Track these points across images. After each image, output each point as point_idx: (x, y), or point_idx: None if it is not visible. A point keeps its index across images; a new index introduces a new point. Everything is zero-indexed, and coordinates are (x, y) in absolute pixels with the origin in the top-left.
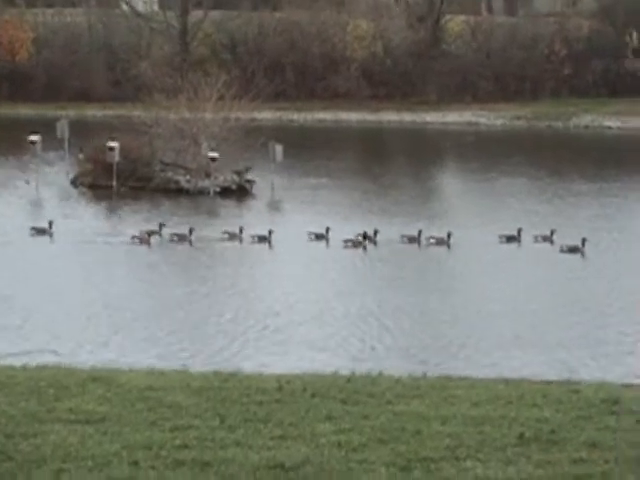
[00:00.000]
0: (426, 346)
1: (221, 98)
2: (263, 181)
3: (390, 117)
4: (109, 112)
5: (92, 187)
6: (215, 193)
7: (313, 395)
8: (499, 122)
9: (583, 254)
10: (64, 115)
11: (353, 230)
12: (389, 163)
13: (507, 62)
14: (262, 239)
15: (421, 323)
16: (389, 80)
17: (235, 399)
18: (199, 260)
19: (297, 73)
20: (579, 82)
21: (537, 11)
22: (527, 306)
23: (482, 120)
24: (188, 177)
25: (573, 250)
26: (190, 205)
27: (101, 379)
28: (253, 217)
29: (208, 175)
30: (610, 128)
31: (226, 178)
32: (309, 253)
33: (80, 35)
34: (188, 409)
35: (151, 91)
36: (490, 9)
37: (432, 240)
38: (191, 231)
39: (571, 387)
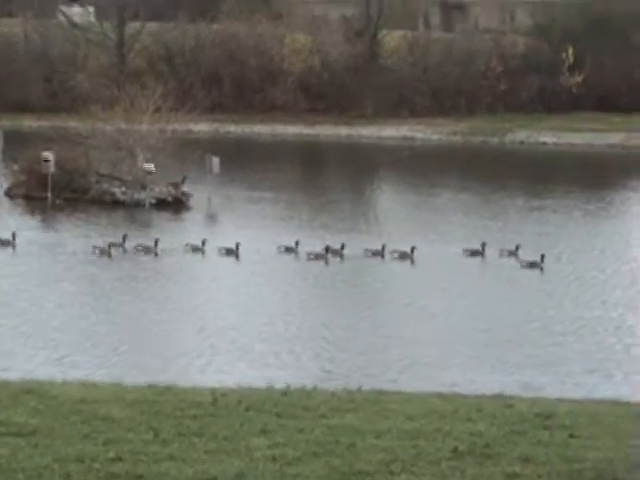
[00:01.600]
0: (378, 363)
1: (158, 110)
2: (199, 193)
3: (327, 131)
4: (45, 123)
5: (26, 198)
6: (151, 205)
7: (248, 409)
8: (435, 137)
9: (542, 269)
10: None
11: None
12: (327, 177)
13: (444, 77)
14: (229, 252)
15: (375, 339)
16: (326, 94)
17: (169, 412)
18: (159, 273)
19: (234, 85)
20: (515, 98)
21: (473, 27)
22: (485, 323)
23: (418, 135)
24: (124, 189)
25: (532, 265)
26: (127, 217)
27: (34, 391)
28: (191, 229)
29: (144, 187)
30: (545, 144)
31: (162, 190)
32: (274, 266)
33: (16, 45)
34: (121, 422)
35: (87, 102)
36: (427, 25)
37: (395, 254)
38: (156, 242)
39: (505, 402)
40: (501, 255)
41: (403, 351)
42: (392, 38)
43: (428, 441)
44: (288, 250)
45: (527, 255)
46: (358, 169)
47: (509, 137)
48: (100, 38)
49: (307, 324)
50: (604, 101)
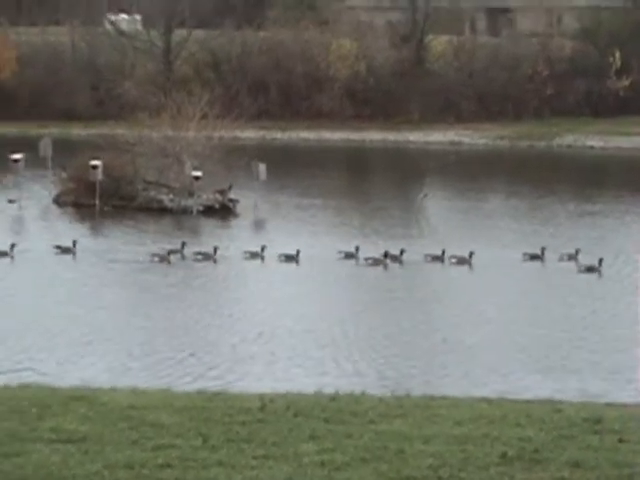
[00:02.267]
0: (435, 369)
1: (204, 117)
2: (246, 200)
3: (373, 136)
4: (92, 131)
5: (75, 206)
6: (198, 212)
7: (296, 414)
8: (482, 142)
9: (600, 274)
10: (47, 134)
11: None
12: (375, 183)
13: (490, 82)
14: (289, 258)
15: (433, 344)
16: (372, 99)
17: (218, 419)
18: (219, 279)
19: (281, 92)
20: (562, 102)
21: (520, 32)
22: (543, 328)
23: (465, 140)
24: (171, 196)
25: (590, 269)
26: (175, 224)
27: (83, 398)
28: (241, 236)
29: (191, 194)
30: (593, 148)
31: (209, 197)
32: (334, 272)
33: (63, 54)
34: (170, 428)
35: (134, 110)
36: (473, 29)
37: (453, 260)
38: (215, 250)
39: (554, 406)
40: (561, 259)
41: (460, 357)
42: (438, 43)
43: (476, 446)
44: (348, 256)
45: (582, 259)
46: (405, 174)
47: (556, 141)
48: (147, 46)
49: (366, 330)
50: None
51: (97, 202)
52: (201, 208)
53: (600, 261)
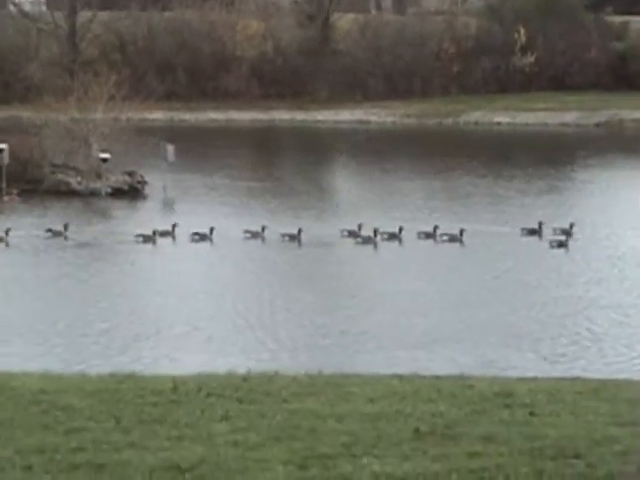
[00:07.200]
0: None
1: (112, 98)
2: (155, 182)
3: (282, 116)
4: None
5: None
6: (107, 194)
7: (209, 395)
8: (390, 120)
9: (568, 248)
10: None
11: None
12: (285, 163)
13: (396, 60)
14: (292, 237)
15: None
16: (280, 79)
17: (130, 400)
18: (220, 259)
19: (188, 73)
20: (468, 79)
21: (426, 9)
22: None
23: (373, 118)
24: (79, 179)
25: (561, 244)
26: (86, 206)
27: None
28: (152, 217)
29: (99, 176)
30: (499, 124)
31: (117, 179)
32: (336, 251)
33: None
34: (82, 411)
35: (40, 92)
36: (379, 7)
37: (445, 237)
38: (212, 230)
39: (465, 382)
40: (555, 233)
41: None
42: (344, 21)
43: (389, 423)
44: (351, 234)
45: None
46: (317, 153)
47: (463, 118)
48: (52, 27)
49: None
50: (556, 80)
51: (4, 186)
52: (110, 190)
53: (567, 235)
